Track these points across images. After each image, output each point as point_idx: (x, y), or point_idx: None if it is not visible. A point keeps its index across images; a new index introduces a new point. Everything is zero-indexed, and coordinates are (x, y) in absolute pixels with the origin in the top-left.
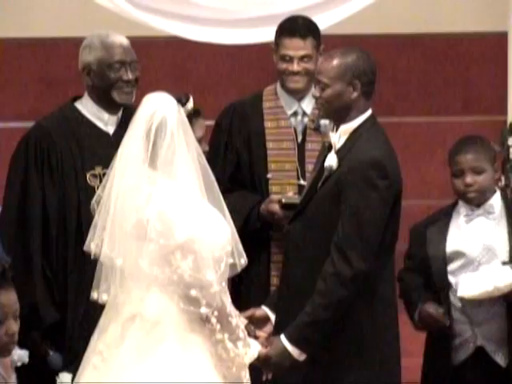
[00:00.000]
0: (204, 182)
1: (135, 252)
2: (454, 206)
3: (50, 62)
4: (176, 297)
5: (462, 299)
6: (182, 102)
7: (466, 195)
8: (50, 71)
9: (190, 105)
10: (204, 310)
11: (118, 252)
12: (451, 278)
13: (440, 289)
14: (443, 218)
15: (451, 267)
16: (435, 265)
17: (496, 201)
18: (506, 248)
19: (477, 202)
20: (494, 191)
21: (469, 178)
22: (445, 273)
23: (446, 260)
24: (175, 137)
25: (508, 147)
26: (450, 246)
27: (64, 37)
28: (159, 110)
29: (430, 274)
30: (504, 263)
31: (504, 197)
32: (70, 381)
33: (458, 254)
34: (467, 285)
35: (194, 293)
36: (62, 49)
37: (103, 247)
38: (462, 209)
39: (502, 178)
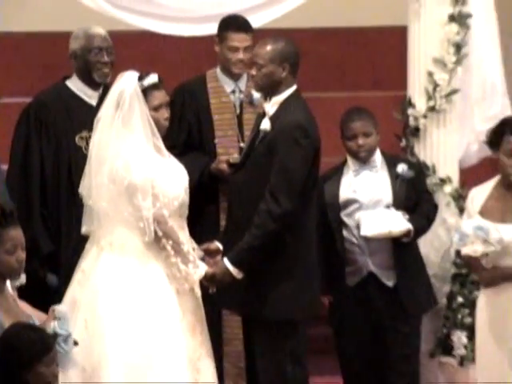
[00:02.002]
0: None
1: (108, 196)
2: (344, 163)
3: (46, 50)
4: (137, 230)
5: (364, 237)
6: (140, 77)
7: (358, 154)
8: (46, 58)
9: (147, 80)
10: (163, 240)
11: (96, 196)
12: (346, 220)
13: (335, 228)
14: (336, 173)
15: (344, 212)
16: (331, 210)
17: (378, 157)
18: (389, 194)
19: (366, 159)
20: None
21: (361, 141)
22: (339, 216)
23: (339, 206)
24: (132, 104)
25: (407, 116)
26: (343, 195)
27: (57, 31)
28: (122, 84)
29: (327, 218)
30: (387, 206)
31: (383, 153)
32: (65, 311)
33: (349, 201)
34: (367, 227)
35: (152, 227)
36: (55, 40)
37: (85, 192)
38: (351, 165)
39: (403, 140)
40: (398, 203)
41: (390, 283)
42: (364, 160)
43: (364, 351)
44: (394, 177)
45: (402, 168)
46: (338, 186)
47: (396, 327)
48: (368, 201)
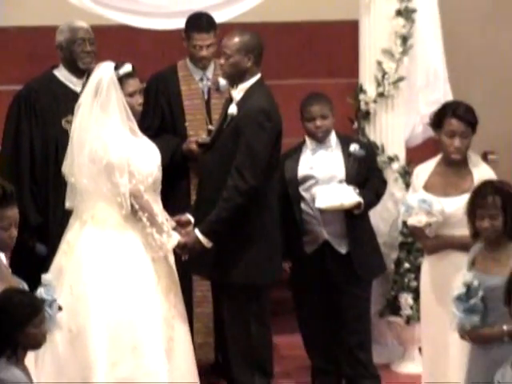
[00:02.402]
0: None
1: (88, 174)
2: (302, 143)
3: (34, 43)
4: (116, 204)
5: (319, 209)
6: (116, 67)
7: (315, 135)
8: (34, 50)
9: (122, 70)
10: (139, 213)
11: (78, 174)
12: (303, 194)
13: (294, 202)
14: (295, 152)
15: (302, 187)
16: (290, 185)
17: (333, 137)
18: (342, 170)
19: (323, 139)
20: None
21: (318, 122)
22: (297, 191)
23: (298, 181)
24: (109, 91)
25: (359, 101)
26: (301, 172)
27: (43, 25)
28: (100, 73)
29: (287, 192)
30: (340, 182)
31: (337, 134)
32: (50, 279)
33: (306, 177)
34: (322, 200)
35: (129, 201)
36: (42, 33)
37: (67, 170)
38: (309, 144)
39: (355, 122)
40: (350, 179)
41: (343, 250)
42: (321, 140)
43: (320, 312)
44: (347, 155)
45: (354, 147)
46: (296, 163)
47: (349, 290)
48: (323, 176)
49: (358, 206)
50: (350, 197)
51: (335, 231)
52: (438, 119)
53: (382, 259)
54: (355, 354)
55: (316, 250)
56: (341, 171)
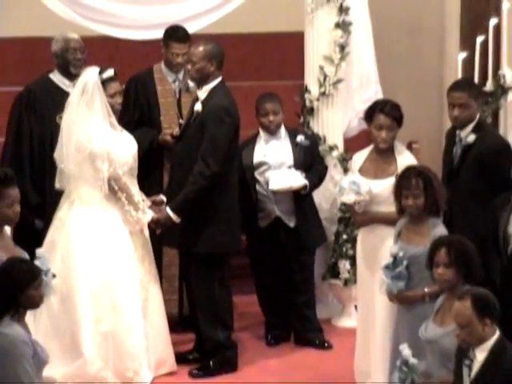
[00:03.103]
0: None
1: (75, 161)
2: (257, 134)
3: (33, 51)
4: (99, 186)
5: (272, 191)
6: (100, 71)
7: (269, 128)
8: (33, 57)
9: (106, 74)
10: (118, 193)
11: (66, 161)
12: (258, 177)
13: (250, 184)
14: (251, 142)
15: (257, 172)
16: (247, 170)
17: (282, 130)
18: (291, 157)
19: (274, 131)
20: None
21: (271, 117)
22: (253, 175)
23: (253, 167)
24: (93, 92)
25: (305, 99)
26: (256, 159)
27: (39, 36)
28: (86, 76)
29: (245, 176)
30: (289, 167)
31: (286, 127)
32: (44, 252)
33: (261, 163)
34: (274, 183)
35: (107, 184)
36: (39, 43)
37: (58, 157)
38: (263, 136)
39: (302, 117)
40: (298, 165)
41: (291, 224)
42: (272, 132)
43: (273, 276)
44: (295, 145)
45: (300, 138)
46: (252, 151)
47: (297, 257)
48: (275, 162)
49: (304, 187)
50: (297, 180)
51: (285, 208)
52: (369, 114)
53: (323, 231)
54: (302, 311)
55: (269, 225)
56: (289, 158)
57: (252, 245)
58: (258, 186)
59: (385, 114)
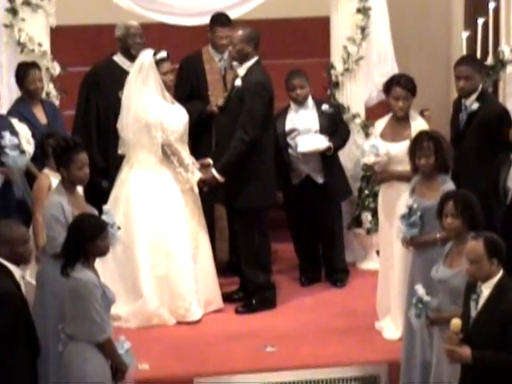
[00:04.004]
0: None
1: (133, 130)
2: (288, 106)
3: (100, 36)
4: (154, 151)
5: (300, 153)
6: (155, 53)
7: (297, 100)
8: (99, 41)
9: (159, 55)
10: (171, 157)
11: (126, 130)
12: (290, 142)
13: (283, 148)
14: (283, 112)
15: (289, 137)
16: (280, 136)
17: (310, 101)
18: (317, 124)
19: (302, 102)
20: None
21: (298, 91)
22: (285, 140)
23: (285, 134)
24: (148, 70)
25: (331, 74)
26: (287, 126)
27: (103, 23)
28: (143, 57)
29: (278, 141)
30: (316, 132)
31: (313, 98)
32: (109, 208)
33: (291, 130)
34: (302, 145)
35: (160, 149)
36: (103, 29)
37: (119, 127)
38: (292, 107)
39: (329, 90)
40: (323, 130)
41: (320, 181)
42: (300, 103)
43: (306, 226)
44: (320, 113)
45: (324, 107)
46: (284, 120)
47: (326, 210)
48: (303, 129)
49: (328, 149)
50: (322, 142)
51: (314, 167)
52: (387, 87)
53: (349, 187)
54: (331, 255)
55: (300, 182)
56: (316, 124)
57: (287, 200)
58: (290, 150)
59: (401, 87)
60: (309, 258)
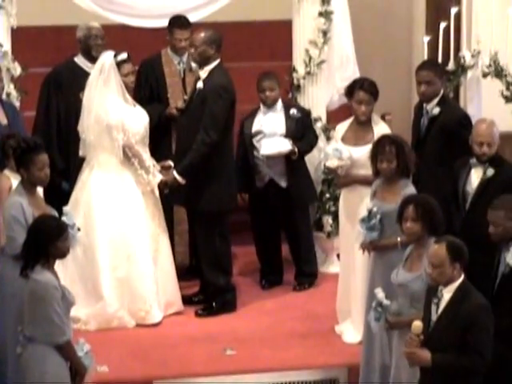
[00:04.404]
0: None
1: (94, 131)
2: (258, 108)
3: (61, 37)
4: (115, 153)
5: (263, 156)
6: (115, 55)
7: (266, 102)
8: (60, 43)
9: (120, 57)
10: (132, 159)
11: (87, 132)
12: (256, 144)
13: (249, 150)
14: (252, 114)
15: (255, 139)
16: (247, 138)
17: (279, 104)
18: (283, 127)
19: (271, 105)
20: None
21: (268, 93)
22: (251, 142)
23: (251, 135)
24: (109, 72)
25: (293, 78)
26: (254, 128)
27: (65, 24)
28: (103, 59)
29: (245, 143)
30: (282, 136)
31: (283, 101)
32: (69, 210)
33: (257, 132)
34: (264, 148)
35: (121, 151)
36: (64, 30)
37: (80, 129)
38: (262, 109)
39: (290, 93)
40: (289, 134)
41: (283, 185)
42: (269, 106)
43: (269, 230)
44: (288, 116)
45: (292, 111)
46: (252, 122)
47: (289, 215)
48: (269, 132)
49: (293, 153)
50: (285, 146)
51: (277, 171)
52: (350, 91)
53: (314, 192)
54: (296, 261)
55: (264, 186)
56: (282, 128)
57: (251, 203)
58: (255, 152)
59: (364, 91)
60: (270, 261)
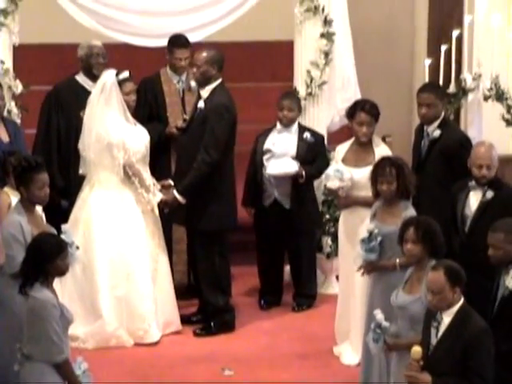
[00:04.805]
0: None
1: (94, 150)
2: (274, 126)
3: (62, 55)
4: (115, 171)
5: (269, 175)
6: (117, 73)
7: (282, 121)
8: (61, 61)
9: (122, 75)
10: (132, 178)
11: (87, 150)
12: (265, 163)
13: (258, 167)
14: (267, 132)
15: (265, 157)
16: (258, 155)
17: (295, 126)
18: (294, 149)
19: (287, 125)
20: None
21: (285, 112)
22: (261, 159)
23: (262, 153)
24: (111, 90)
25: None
26: (266, 146)
27: (67, 42)
28: (105, 77)
29: (256, 159)
30: (292, 157)
31: (299, 125)
32: (68, 228)
33: (267, 150)
34: (271, 168)
35: (122, 170)
36: (66, 48)
37: (81, 147)
38: (278, 127)
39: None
40: (299, 157)
41: (287, 206)
42: (285, 125)
43: (272, 250)
44: (301, 139)
45: (306, 135)
46: (265, 139)
47: (292, 238)
48: (279, 152)
49: (300, 176)
50: (291, 167)
51: (283, 192)
52: (351, 112)
53: (318, 219)
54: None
55: (271, 205)
56: (293, 150)
57: (257, 220)
58: (263, 170)
59: (365, 112)
60: (270, 280)
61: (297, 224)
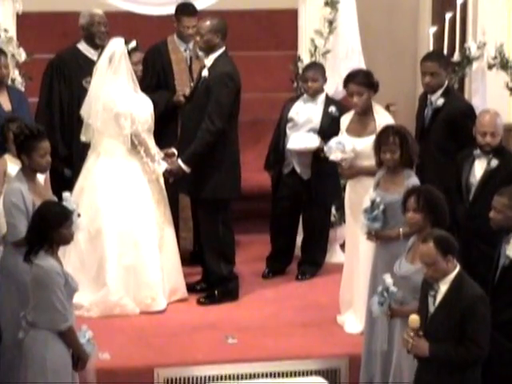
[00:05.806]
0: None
1: (101, 118)
2: (298, 96)
3: (64, 24)
4: (122, 141)
5: (289, 149)
6: (126, 42)
7: (307, 92)
8: (64, 29)
9: (130, 45)
10: (138, 147)
11: (94, 118)
12: (288, 131)
13: (282, 135)
14: (294, 100)
15: (288, 125)
16: (282, 121)
17: (322, 96)
18: (318, 122)
19: (313, 96)
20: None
21: (309, 83)
22: (285, 127)
23: (287, 120)
24: (120, 59)
25: (298, 67)
26: (290, 113)
27: (69, 10)
28: (113, 46)
29: (280, 124)
30: (314, 130)
31: (327, 96)
32: (68, 195)
33: (290, 119)
34: (291, 143)
35: (129, 139)
36: (69, 16)
37: (85, 114)
38: (304, 97)
39: (295, 83)
40: (322, 130)
41: (305, 177)
42: (311, 96)
43: (285, 217)
44: (326, 112)
45: (331, 108)
46: (291, 107)
47: (308, 208)
48: (302, 121)
49: (321, 150)
50: (313, 142)
51: (302, 162)
52: (344, 84)
53: (337, 191)
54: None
55: (289, 173)
56: (317, 122)
57: (275, 186)
58: (286, 140)
59: (354, 83)
60: (280, 248)
61: (313, 195)
